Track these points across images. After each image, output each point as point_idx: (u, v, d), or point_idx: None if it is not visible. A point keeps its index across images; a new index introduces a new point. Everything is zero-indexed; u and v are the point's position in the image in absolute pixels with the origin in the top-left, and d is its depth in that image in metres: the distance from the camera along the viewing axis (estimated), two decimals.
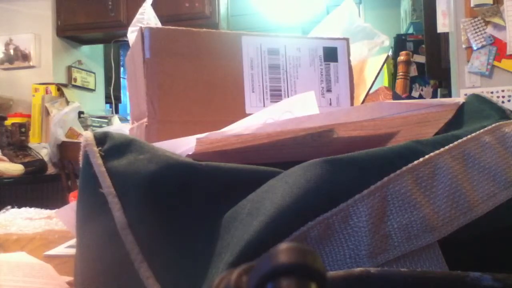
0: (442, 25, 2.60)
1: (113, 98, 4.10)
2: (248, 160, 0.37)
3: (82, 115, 3.14)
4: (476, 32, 2.40)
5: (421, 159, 0.28)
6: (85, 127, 3.01)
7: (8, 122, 2.79)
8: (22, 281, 0.45)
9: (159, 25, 0.83)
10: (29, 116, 3.18)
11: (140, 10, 0.85)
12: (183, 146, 0.39)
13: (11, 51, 3.45)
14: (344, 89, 0.64)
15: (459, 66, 2.45)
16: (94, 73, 3.92)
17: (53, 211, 0.82)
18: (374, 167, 0.28)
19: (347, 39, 0.65)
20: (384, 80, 3.48)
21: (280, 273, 0.15)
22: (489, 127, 0.31)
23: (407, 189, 0.27)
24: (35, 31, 3.44)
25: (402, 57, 2.05)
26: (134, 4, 3.18)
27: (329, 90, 0.63)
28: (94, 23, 3.45)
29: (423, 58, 3.20)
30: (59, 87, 3.35)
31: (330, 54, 0.63)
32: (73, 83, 3.61)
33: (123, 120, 3.46)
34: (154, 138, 0.53)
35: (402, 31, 4.19)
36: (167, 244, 0.28)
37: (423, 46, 3.19)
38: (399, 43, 3.47)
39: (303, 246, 0.16)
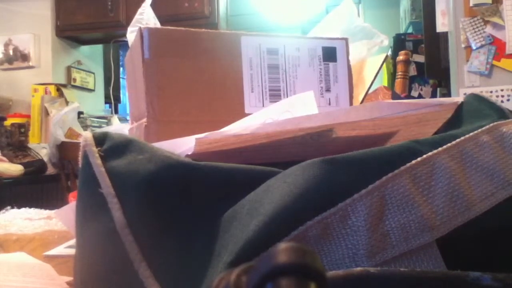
0: (442, 24, 2.60)
1: (112, 98, 4.10)
2: (247, 160, 0.37)
3: (81, 115, 3.14)
4: (475, 32, 2.40)
5: (419, 159, 0.28)
6: (85, 127, 3.01)
7: (8, 122, 2.79)
8: (22, 281, 0.45)
9: (158, 25, 0.83)
10: (28, 116, 3.18)
11: (139, 10, 0.85)
12: (183, 146, 0.39)
13: (11, 52, 3.45)
14: (343, 89, 0.64)
15: (459, 65, 2.45)
16: (93, 73, 3.91)
17: (53, 211, 0.82)
18: (373, 167, 0.28)
19: (346, 39, 0.65)
20: (383, 80, 3.48)
21: (279, 273, 0.15)
22: (487, 126, 0.31)
23: (405, 189, 0.27)
24: (35, 31, 3.44)
25: (401, 57, 2.05)
26: (133, 4, 3.18)
27: (328, 90, 0.63)
28: (94, 23, 3.45)
29: (423, 57, 3.20)
30: (59, 87, 3.35)
31: (329, 54, 0.63)
32: (72, 83, 3.61)
33: (123, 120, 3.46)
34: (153, 138, 0.53)
35: (402, 30, 4.19)
36: (167, 244, 0.28)
37: (423, 45, 3.19)
38: (399, 42, 3.47)
39: (302, 246, 0.16)
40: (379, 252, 0.25)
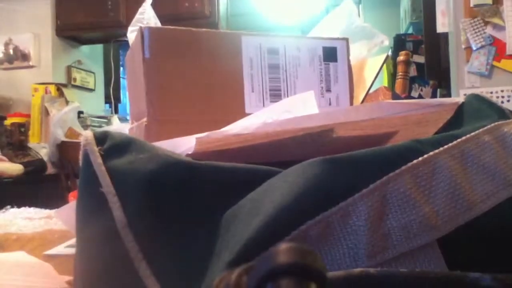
0: (442, 25, 2.60)
1: (112, 98, 4.10)
2: (247, 159, 0.37)
3: (81, 115, 3.14)
4: (475, 32, 2.40)
5: (420, 159, 0.28)
6: (85, 127, 3.01)
7: (8, 122, 2.79)
8: (21, 280, 0.45)
9: (158, 24, 0.83)
10: (28, 116, 3.18)
11: (140, 9, 0.85)
12: (183, 145, 0.39)
13: (11, 51, 3.45)
14: (343, 89, 0.64)
15: (459, 66, 2.45)
16: (93, 73, 3.91)
17: (53, 210, 0.82)
18: (374, 166, 0.28)
19: (346, 39, 0.65)
20: (383, 80, 3.48)
21: (280, 273, 0.15)
22: (488, 126, 0.31)
23: (406, 188, 0.27)
24: (35, 31, 3.44)
25: (401, 57, 2.05)
26: (133, 4, 3.18)
27: (328, 90, 0.63)
28: (94, 23, 3.45)
29: (423, 58, 3.20)
30: (59, 87, 3.35)
31: (330, 54, 0.63)
32: (72, 83, 3.61)
33: (123, 120, 3.46)
34: (153, 137, 0.53)
35: (402, 31, 4.19)
36: (167, 243, 0.28)
37: (423, 46, 3.19)
38: (399, 43, 3.47)
39: (303, 246, 0.16)
40: (380, 252, 0.25)
